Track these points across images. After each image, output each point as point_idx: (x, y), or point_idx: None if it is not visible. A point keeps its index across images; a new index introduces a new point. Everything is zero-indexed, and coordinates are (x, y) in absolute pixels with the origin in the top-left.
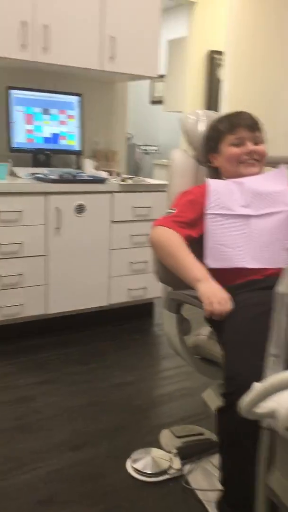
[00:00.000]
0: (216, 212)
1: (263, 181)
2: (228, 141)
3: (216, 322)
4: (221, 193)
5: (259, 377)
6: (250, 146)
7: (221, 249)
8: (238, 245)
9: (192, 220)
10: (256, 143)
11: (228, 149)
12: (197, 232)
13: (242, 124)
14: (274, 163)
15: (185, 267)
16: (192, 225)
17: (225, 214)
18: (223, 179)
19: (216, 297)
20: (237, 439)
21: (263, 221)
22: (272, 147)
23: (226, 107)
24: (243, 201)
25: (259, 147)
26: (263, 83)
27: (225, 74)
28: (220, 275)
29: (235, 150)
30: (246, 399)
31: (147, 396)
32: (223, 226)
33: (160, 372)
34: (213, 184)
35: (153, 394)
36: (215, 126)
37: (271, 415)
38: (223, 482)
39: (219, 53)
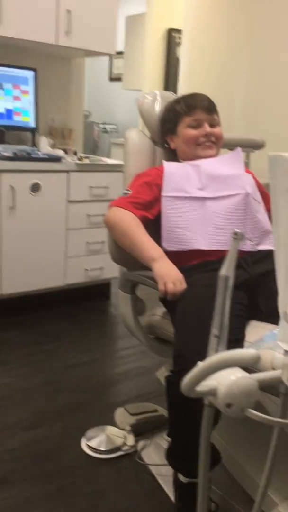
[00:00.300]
0: (172, 195)
1: (219, 164)
2: (185, 123)
3: (170, 302)
4: (177, 175)
5: (204, 357)
6: (207, 128)
7: (177, 232)
8: (194, 228)
9: (147, 202)
10: (212, 126)
11: (186, 131)
12: (152, 214)
13: (199, 106)
14: (230, 146)
15: (140, 246)
16: (148, 206)
17: (180, 196)
18: (180, 162)
19: (170, 277)
20: (183, 409)
21: (219, 204)
22: (228, 130)
23: (184, 87)
24: (199, 183)
25: (216, 129)
26: (220, 64)
27: (183, 53)
28: (176, 256)
29: (192, 132)
30: (187, 378)
31: (103, 375)
32: (179, 208)
33: (116, 351)
34: (169, 167)
35: (109, 374)
36: (172, 108)
37: (212, 392)
38: (169, 434)
39: (178, 31)
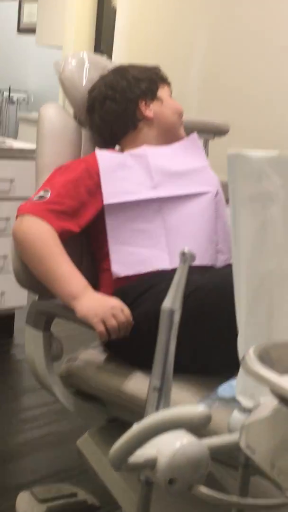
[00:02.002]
0: (116, 201)
1: (172, 155)
2: (168, 92)
3: (120, 343)
4: (118, 171)
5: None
6: None
7: (130, 251)
8: (152, 242)
9: (73, 209)
10: None
11: (173, 101)
12: (79, 225)
13: (169, 83)
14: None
15: (58, 279)
16: (73, 215)
17: (128, 202)
18: (116, 151)
19: (105, 308)
20: None
21: (181, 206)
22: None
23: (121, 46)
24: (150, 180)
25: None
26: (172, 21)
27: (121, 1)
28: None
29: (179, 104)
30: (116, 445)
31: (1, 445)
32: (127, 219)
33: (20, 411)
34: (105, 159)
35: (10, 443)
36: (144, 69)
37: (150, 464)
38: None
39: None
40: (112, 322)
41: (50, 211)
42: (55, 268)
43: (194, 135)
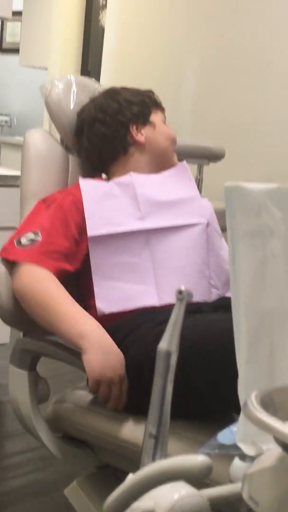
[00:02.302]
0: (101, 233)
1: (160, 184)
2: (161, 117)
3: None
4: (103, 201)
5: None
6: None
7: (115, 286)
8: (140, 276)
9: (66, 248)
10: None
11: (166, 127)
12: (74, 266)
13: (163, 108)
14: (182, 156)
15: (63, 319)
16: (68, 255)
17: (114, 234)
18: (102, 180)
19: (106, 370)
20: None
21: (171, 238)
22: (174, 131)
23: (110, 68)
24: (137, 211)
25: None
26: (164, 41)
27: (109, 21)
28: (115, 319)
29: (172, 131)
30: (111, 497)
31: None
32: (114, 251)
33: (2, 458)
34: (88, 189)
35: None
36: (137, 93)
37: None
38: None
39: None
40: (105, 392)
41: (44, 254)
42: (58, 309)
43: (184, 164)
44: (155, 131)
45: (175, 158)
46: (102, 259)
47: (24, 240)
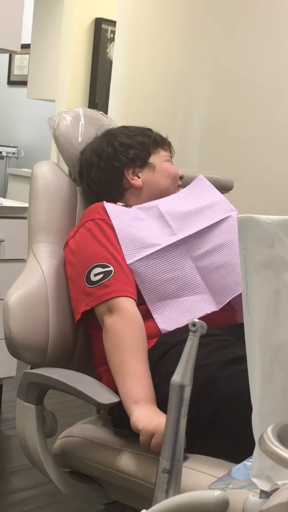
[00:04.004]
0: (141, 257)
1: (183, 199)
2: (163, 156)
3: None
4: (133, 224)
5: None
6: (179, 170)
7: (172, 303)
8: (192, 287)
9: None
10: None
11: (170, 166)
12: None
13: (168, 143)
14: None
15: (137, 378)
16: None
17: (152, 253)
18: (119, 204)
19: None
20: None
21: (207, 239)
22: (178, 163)
23: (118, 101)
24: (168, 229)
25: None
26: (171, 73)
27: (117, 54)
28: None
29: (174, 168)
30: None
31: None
32: (158, 271)
33: (7, 494)
34: (117, 217)
35: None
36: (135, 134)
37: None
38: None
39: (111, 22)
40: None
41: (122, 282)
42: (128, 366)
43: (201, 177)
44: (155, 172)
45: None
46: (148, 282)
47: (95, 278)
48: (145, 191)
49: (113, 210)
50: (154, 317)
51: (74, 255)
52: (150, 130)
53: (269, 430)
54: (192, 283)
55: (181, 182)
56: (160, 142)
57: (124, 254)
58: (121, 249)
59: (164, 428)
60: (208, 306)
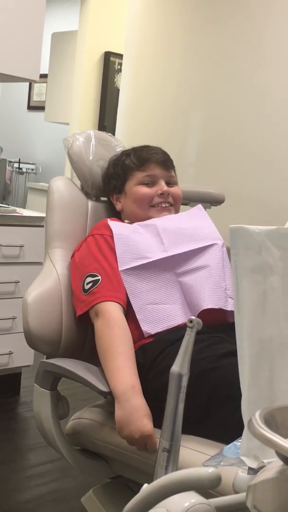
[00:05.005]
0: (132, 266)
1: (179, 221)
2: (137, 179)
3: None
4: (130, 239)
5: None
6: (163, 185)
7: (155, 308)
8: (172, 298)
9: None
10: (169, 184)
11: (138, 189)
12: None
13: (154, 160)
14: (186, 200)
15: (113, 372)
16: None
17: (142, 264)
18: (125, 222)
19: (132, 431)
20: None
21: (193, 260)
22: (179, 179)
23: (124, 125)
24: (161, 245)
25: (174, 189)
26: (171, 100)
27: (123, 83)
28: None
29: (145, 189)
30: (127, 507)
31: (6, 502)
32: (146, 279)
33: (25, 469)
34: (118, 229)
35: (15, 500)
36: (118, 160)
37: None
38: None
39: (118, 55)
40: (140, 447)
41: (109, 289)
42: (108, 363)
43: (199, 206)
44: (126, 198)
45: (152, 213)
46: (137, 288)
47: (87, 286)
48: (124, 214)
49: (115, 225)
50: (138, 318)
51: (76, 266)
52: (133, 150)
53: (257, 414)
54: (173, 294)
55: (172, 199)
56: (138, 164)
57: (119, 261)
58: (114, 259)
59: (146, 427)
60: (184, 315)
